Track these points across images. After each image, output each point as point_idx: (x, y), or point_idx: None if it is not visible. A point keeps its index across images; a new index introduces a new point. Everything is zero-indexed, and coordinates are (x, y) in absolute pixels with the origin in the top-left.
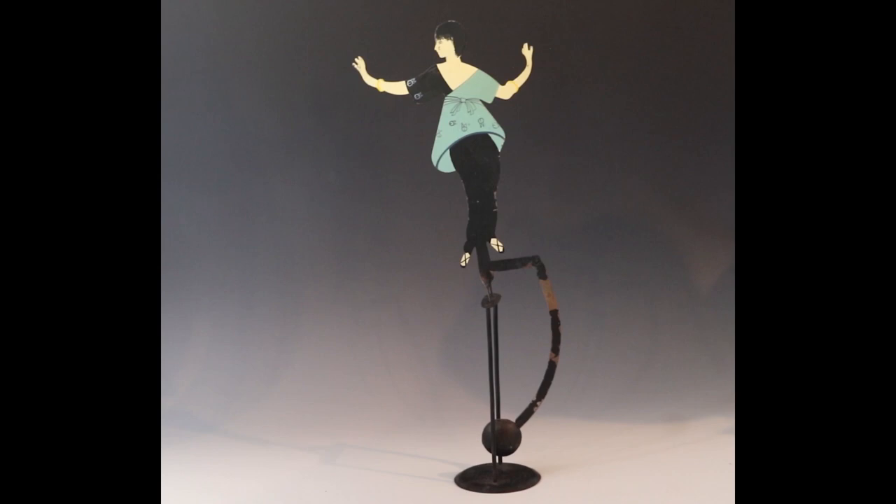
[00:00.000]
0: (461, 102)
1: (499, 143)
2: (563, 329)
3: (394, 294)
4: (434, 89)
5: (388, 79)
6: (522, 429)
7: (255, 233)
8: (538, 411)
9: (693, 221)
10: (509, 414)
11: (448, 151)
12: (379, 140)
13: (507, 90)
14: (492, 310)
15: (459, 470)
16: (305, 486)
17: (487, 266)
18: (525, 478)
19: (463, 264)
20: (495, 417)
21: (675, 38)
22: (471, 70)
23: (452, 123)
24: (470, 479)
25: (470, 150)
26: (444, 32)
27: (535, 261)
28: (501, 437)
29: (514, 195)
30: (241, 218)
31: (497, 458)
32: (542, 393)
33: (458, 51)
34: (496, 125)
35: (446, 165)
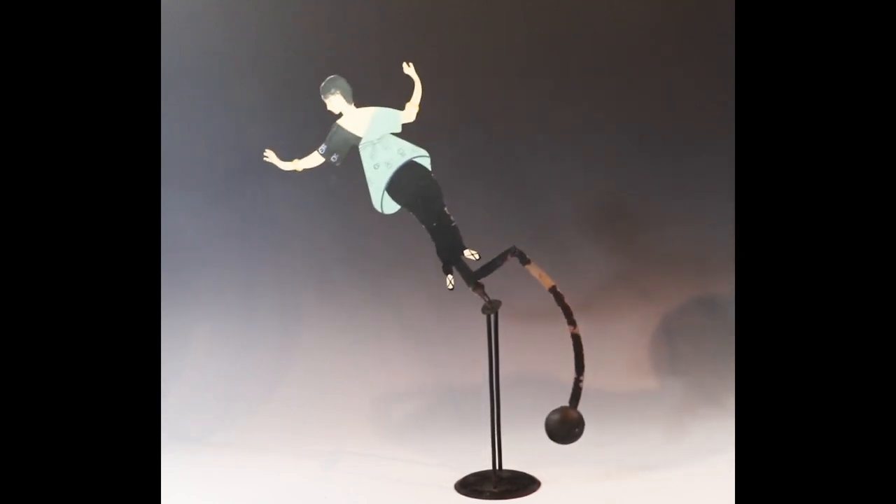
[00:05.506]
0: (375, 144)
1: (426, 162)
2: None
3: (394, 300)
4: (346, 144)
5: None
6: (519, 434)
7: (255, 238)
8: (541, 414)
9: (693, 224)
10: (509, 422)
11: (385, 193)
12: None
13: (409, 113)
14: (492, 316)
15: (459, 476)
16: (305, 493)
17: (473, 278)
18: (525, 484)
19: (450, 287)
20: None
21: (675, 38)
22: (369, 111)
23: (377, 167)
24: (470, 486)
25: (404, 182)
26: (328, 90)
27: (514, 251)
28: (565, 423)
29: (505, 199)
30: (241, 224)
31: (497, 464)
32: (580, 367)
33: (349, 100)
34: (415, 148)
35: (390, 207)
